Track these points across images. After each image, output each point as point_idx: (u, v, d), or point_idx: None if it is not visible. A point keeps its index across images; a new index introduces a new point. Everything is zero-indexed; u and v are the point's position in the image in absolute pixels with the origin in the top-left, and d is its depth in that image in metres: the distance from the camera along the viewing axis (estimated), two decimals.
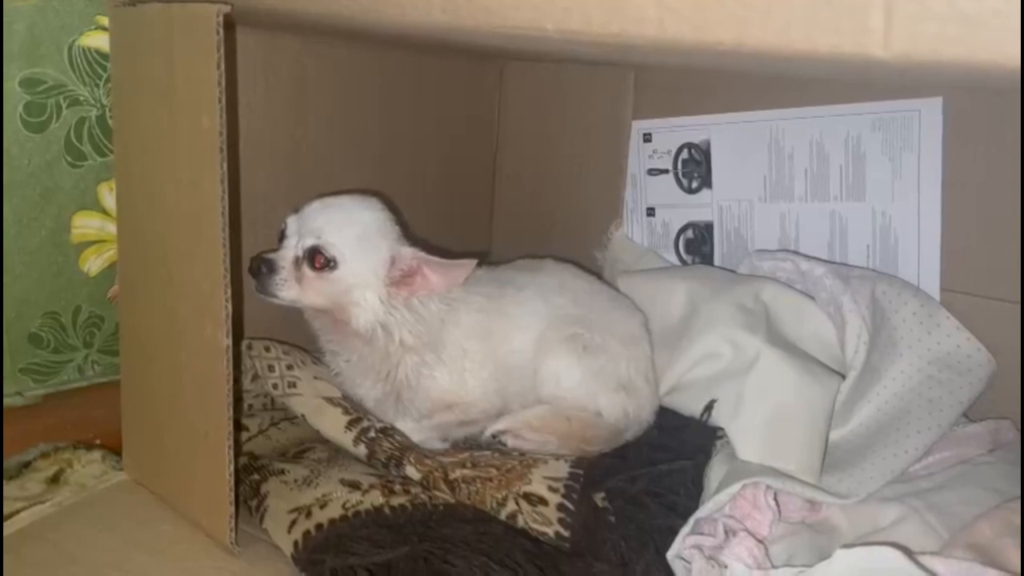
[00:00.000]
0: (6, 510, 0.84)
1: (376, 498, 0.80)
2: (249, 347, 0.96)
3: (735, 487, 0.78)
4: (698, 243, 1.15)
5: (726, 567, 0.71)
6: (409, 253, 0.88)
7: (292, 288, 0.86)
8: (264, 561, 0.78)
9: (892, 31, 0.44)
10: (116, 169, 0.88)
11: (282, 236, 0.88)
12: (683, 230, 1.16)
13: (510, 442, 0.88)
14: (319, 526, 0.77)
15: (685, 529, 0.76)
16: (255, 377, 0.97)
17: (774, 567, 0.71)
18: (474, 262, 0.88)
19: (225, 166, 0.69)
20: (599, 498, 0.82)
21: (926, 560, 0.66)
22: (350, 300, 0.87)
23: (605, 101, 1.19)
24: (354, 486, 0.81)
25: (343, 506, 0.79)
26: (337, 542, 0.75)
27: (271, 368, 0.94)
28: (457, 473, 0.82)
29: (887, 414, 0.88)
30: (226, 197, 0.70)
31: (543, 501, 0.79)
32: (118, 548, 0.79)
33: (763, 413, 0.87)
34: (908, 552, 0.66)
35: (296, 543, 0.76)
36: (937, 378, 0.89)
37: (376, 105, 1.12)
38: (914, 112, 0.95)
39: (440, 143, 1.24)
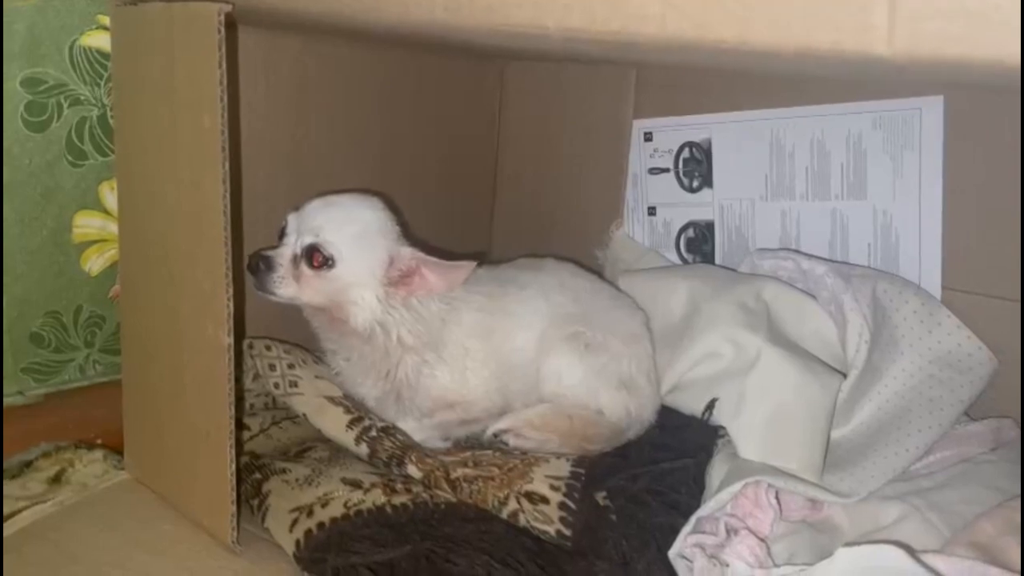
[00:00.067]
0: (8, 509, 0.84)
1: (378, 497, 0.80)
2: (250, 346, 0.96)
3: (737, 486, 0.78)
4: (699, 242, 1.15)
5: (728, 566, 0.71)
6: (408, 253, 0.88)
7: (290, 286, 0.86)
8: (266, 560, 0.78)
9: (895, 28, 0.44)
10: (117, 168, 0.88)
11: (282, 234, 0.88)
12: (684, 229, 1.16)
13: (512, 441, 0.88)
14: (321, 525, 0.77)
15: (687, 528, 0.76)
16: (256, 376, 0.97)
17: (776, 566, 0.71)
18: (473, 264, 0.88)
19: (227, 166, 0.69)
20: (601, 497, 0.82)
21: (928, 558, 0.66)
22: (347, 299, 0.87)
23: (606, 100, 1.18)
24: (356, 485, 0.81)
25: (345, 505, 0.79)
26: (339, 541, 0.75)
27: (272, 367, 0.94)
28: (459, 472, 0.82)
29: (888, 413, 0.88)
30: (228, 197, 0.70)
31: (545, 500, 0.79)
32: (120, 547, 0.79)
33: (764, 412, 0.87)
34: (910, 550, 0.66)
35: (298, 542, 0.76)
36: (938, 377, 0.89)
37: (377, 105, 1.12)
38: (915, 111, 0.95)
39: (440, 143, 1.23)
